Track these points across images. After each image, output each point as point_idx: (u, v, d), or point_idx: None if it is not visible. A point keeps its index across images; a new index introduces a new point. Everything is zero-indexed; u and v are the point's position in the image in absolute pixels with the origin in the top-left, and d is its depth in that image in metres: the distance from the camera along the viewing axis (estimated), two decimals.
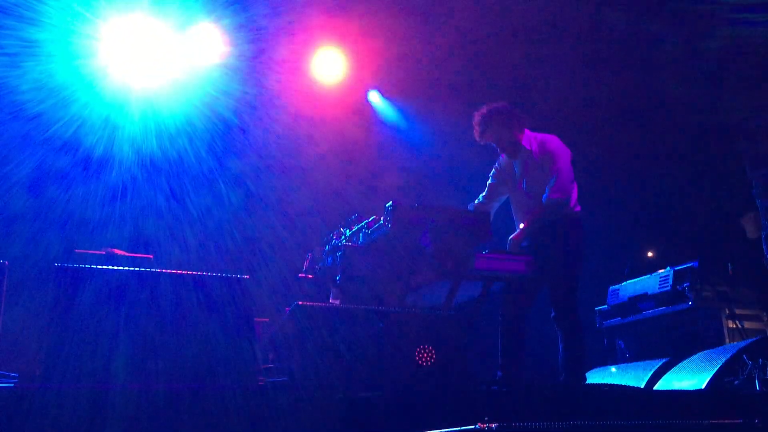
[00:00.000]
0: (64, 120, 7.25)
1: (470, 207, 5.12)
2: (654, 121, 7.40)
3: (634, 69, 7.20)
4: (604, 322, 6.88)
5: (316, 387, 3.55)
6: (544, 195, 4.79)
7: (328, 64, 8.21)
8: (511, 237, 4.79)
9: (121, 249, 5.83)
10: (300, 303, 3.84)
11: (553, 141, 4.96)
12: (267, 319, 5.57)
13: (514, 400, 3.77)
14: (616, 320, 6.75)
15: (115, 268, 3.64)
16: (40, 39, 6.91)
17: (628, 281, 6.78)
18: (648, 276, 6.56)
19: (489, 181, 5.18)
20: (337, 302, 4.70)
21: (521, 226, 4.86)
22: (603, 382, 5.65)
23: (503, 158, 5.13)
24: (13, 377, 3.10)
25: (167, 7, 7.32)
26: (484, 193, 5.17)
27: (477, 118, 5.01)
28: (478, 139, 5.04)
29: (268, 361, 4.38)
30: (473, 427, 2.67)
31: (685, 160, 7.27)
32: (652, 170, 7.41)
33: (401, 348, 3.89)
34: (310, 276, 4.73)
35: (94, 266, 3.58)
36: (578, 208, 4.93)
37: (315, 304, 3.97)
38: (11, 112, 6.96)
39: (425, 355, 3.93)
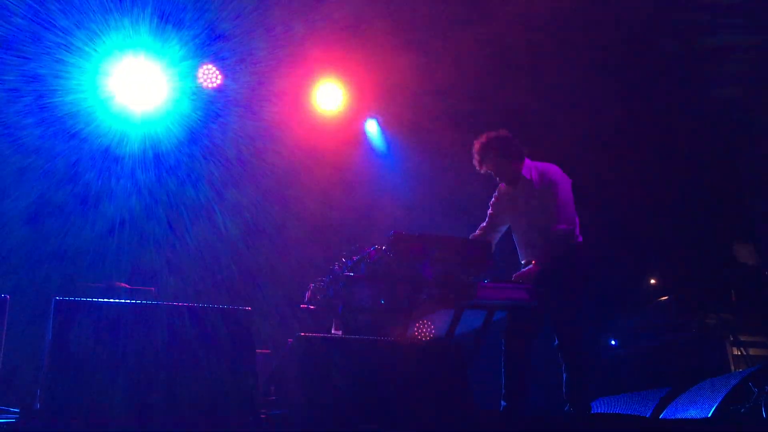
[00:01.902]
0: (63, 153, 7.28)
1: (470, 237, 5.11)
2: (652, 148, 7.42)
3: (630, 97, 7.26)
4: (608, 352, 6.83)
5: (318, 419, 3.51)
6: (551, 227, 4.76)
7: (327, 96, 8.28)
8: (522, 271, 4.76)
9: (122, 282, 5.82)
10: (302, 334, 3.82)
11: (554, 170, 4.95)
12: (269, 351, 5.53)
13: (518, 430, 3.73)
14: (620, 350, 6.70)
15: (116, 301, 3.62)
16: (41, 74, 6.96)
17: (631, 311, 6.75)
18: (650, 305, 6.53)
19: (489, 211, 5.18)
20: (339, 333, 4.67)
21: (532, 263, 4.81)
22: (608, 411, 5.59)
23: (503, 187, 5.13)
24: (14, 412, 3.06)
25: (167, 42, 7.41)
26: (484, 224, 5.16)
27: (476, 146, 5.02)
28: (477, 167, 5.05)
29: (269, 393, 4.33)
30: None
31: (686, 187, 7.28)
32: (653, 198, 7.42)
33: (404, 379, 3.85)
34: (311, 307, 4.70)
35: (95, 299, 3.56)
36: (581, 238, 4.92)
37: (317, 335, 3.95)
38: (11, 146, 6.99)
39: (428, 385, 3.89)
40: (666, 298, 6.40)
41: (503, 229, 5.15)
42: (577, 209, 4.95)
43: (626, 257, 7.39)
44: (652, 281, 7.69)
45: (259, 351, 4.68)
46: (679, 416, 5.04)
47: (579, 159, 6.79)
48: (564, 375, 4.72)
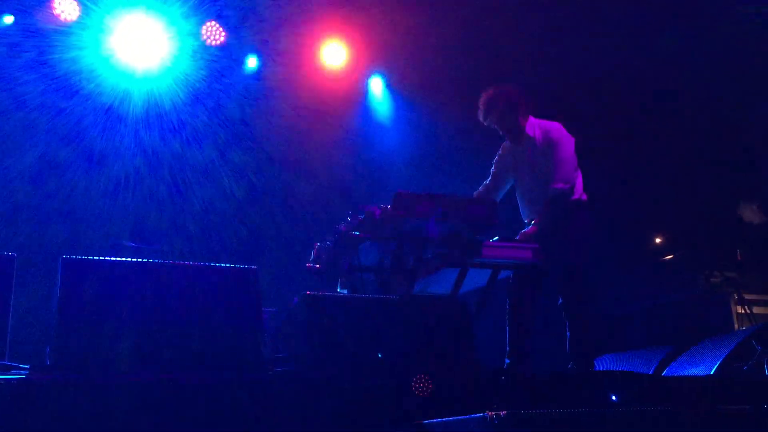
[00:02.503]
0: (65, 111, 7.25)
1: (474, 195, 5.10)
2: (658, 105, 7.35)
3: (642, 57, 7.17)
4: (612, 310, 6.87)
5: (324, 376, 3.55)
6: (549, 186, 4.76)
7: (332, 53, 8.19)
8: (523, 232, 4.76)
9: (127, 240, 5.85)
10: (308, 293, 3.84)
11: (557, 128, 4.91)
12: (275, 309, 5.58)
13: (522, 387, 3.76)
14: (623, 308, 6.73)
15: (122, 259, 3.64)
16: (43, 29, 6.90)
17: (636, 268, 6.77)
18: (655, 263, 6.54)
19: (492, 169, 5.15)
20: (345, 292, 4.70)
21: (532, 223, 4.82)
22: (611, 369, 5.64)
23: (506, 145, 5.09)
24: (25, 368, 3.10)
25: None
26: (487, 181, 5.14)
27: (483, 98, 4.95)
28: (481, 119, 4.99)
29: (275, 350, 4.38)
30: (482, 415, 2.67)
31: (693, 145, 7.23)
32: (659, 156, 7.38)
33: (408, 337, 3.88)
34: (317, 266, 4.72)
35: (101, 257, 3.58)
36: (585, 197, 4.90)
37: (323, 293, 3.97)
38: (14, 102, 6.96)
39: (433, 343, 3.92)
40: (671, 256, 6.40)
41: (506, 187, 5.13)
42: (582, 167, 4.92)
43: (631, 216, 7.38)
44: (657, 240, 7.69)
45: (266, 309, 4.71)
46: (681, 374, 5.08)
47: (585, 115, 6.76)
48: (567, 333, 4.75)
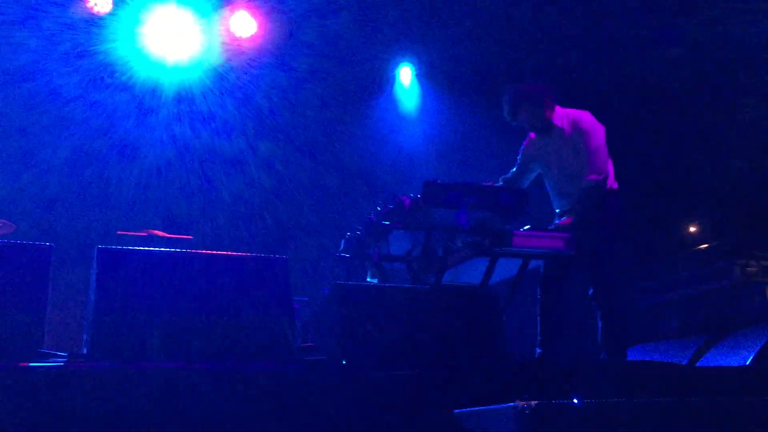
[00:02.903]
0: (100, 103, 7.35)
1: (501, 181, 5.06)
2: (698, 91, 7.20)
3: (675, 40, 7.04)
4: (645, 299, 6.79)
5: (354, 365, 3.56)
6: (583, 177, 4.70)
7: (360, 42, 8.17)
8: (558, 223, 4.73)
9: (160, 230, 5.92)
10: (338, 282, 3.86)
11: (586, 117, 4.84)
12: (306, 299, 5.62)
13: (553, 377, 3.74)
14: (657, 297, 6.66)
15: (157, 249, 3.69)
16: (76, 20, 6.99)
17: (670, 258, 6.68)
18: (689, 252, 6.45)
19: (519, 158, 5.10)
20: (375, 281, 4.71)
21: (564, 218, 4.78)
22: (644, 359, 5.59)
23: (533, 136, 5.04)
24: (63, 356, 3.17)
25: None
26: (514, 170, 5.09)
27: (506, 97, 4.90)
28: (508, 118, 4.95)
29: (306, 340, 4.41)
30: (512, 404, 2.66)
31: (730, 130, 7.09)
32: (694, 142, 7.25)
33: (439, 326, 3.88)
34: (347, 256, 4.74)
35: (136, 247, 3.63)
36: (615, 185, 4.84)
37: (353, 283, 3.98)
38: (50, 94, 7.08)
39: (463, 333, 3.91)
40: (706, 245, 6.31)
41: (532, 176, 5.08)
42: (615, 154, 4.86)
43: (666, 204, 7.28)
44: (692, 229, 7.58)
45: (296, 298, 4.75)
46: (716, 364, 5.02)
47: (617, 103, 6.66)
48: (599, 323, 4.71)
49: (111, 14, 7.09)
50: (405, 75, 8.53)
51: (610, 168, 4.82)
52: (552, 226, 4.69)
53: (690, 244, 6.89)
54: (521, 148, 5.10)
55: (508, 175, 5.09)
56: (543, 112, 4.82)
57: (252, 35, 7.72)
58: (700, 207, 7.34)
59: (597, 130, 4.80)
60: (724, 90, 7.07)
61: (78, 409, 2.89)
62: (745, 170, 7.01)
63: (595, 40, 7.24)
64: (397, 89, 8.62)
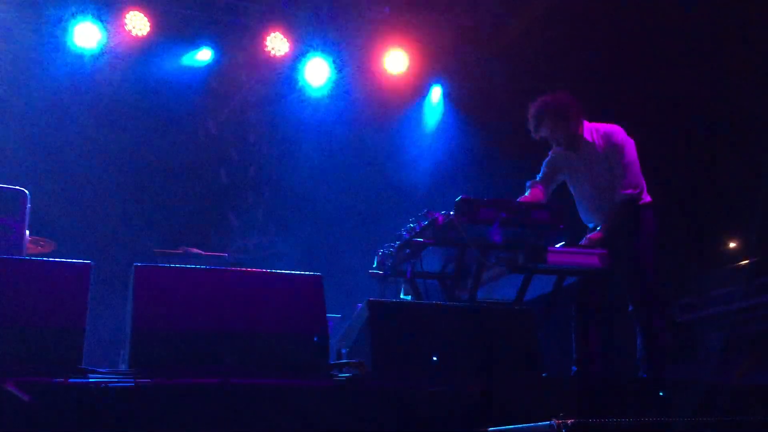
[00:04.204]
0: (138, 121, 7.51)
1: (522, 198, 4.96)
2: (739, 104, 7.07)
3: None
4: (684, 316, 6.67)
5: (387, 382, 3.55)
6: (618, 192, 4.65)
7: (393, 60, 8.26)
8: (589, 237, 4.68)
9: (195, 248, 6.00)
10: (371, 299, 3.86)
11: (617, 131, 4.79)
12: (339, 316, 5.62)
13: (590, 395, 3.69)
14: (697, 314, 6.53)
15: (192, 266, 3.73)
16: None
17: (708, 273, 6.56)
18: (730, 267, 6.33)
19: (544, 170, 4.99)
20: (408, 298, 4.70)
21: (597, 229, 4.73)
22: (684, 378, 5.47)
23: (558, 149, 4.97)
24: (103, 372, 3.21)
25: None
26: (535, 181, 4.98)
27: (531, 111, 4.83)
28: (533, 133, 4.88)
29: (339, 357, 4.41)
30: (549, 423, 2.62)
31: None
32: (734, 156, 7.12)
33: (473, 343, 3.86)
34: (381, 272, 4.74)
35: (172, 264, 3.69)
36: (649, 198, 4.78)
37: (386, 300, 3.98)
38: (79, 106, 7.25)
39: (497, 350, 3.88)
40: (747, 261, 6.18)
41: (553, 188, 5.02)
42: (654, 168, 4.79)
43: (705, 219, 7.15)
44: (732, 244, 7.43)
45: (330, 315, 4.75)
46: (759, 382, 4.90)
47: (650, 116, 6.57)
48: (638, 339, 4.64)
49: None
50: (435, 93, 8.60)
51: (643, 182, 4.76)
52: (583, 241, 4.65)
53: (731, 259, 6.75)
54: (546, 159, 5.02)
55: (528, 190, 4.97)
56: (567, 125, 4.76)
57: (283, 55, 7.85)
58: (741, 221, 7.20)
59: (629, 144, 4.76)
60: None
61: (115, 426, 2.92)
62: None
63: (626, 55, 7.18)
64: (428, 106, 8.67)
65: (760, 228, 6.66)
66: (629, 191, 4.64)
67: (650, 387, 4.18)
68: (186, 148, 7.70)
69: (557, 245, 4.41)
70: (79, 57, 7.27)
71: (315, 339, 3.59)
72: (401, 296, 4.80)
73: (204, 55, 7.74)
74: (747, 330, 6.05)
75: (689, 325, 6.66)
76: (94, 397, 2.94)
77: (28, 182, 4.86)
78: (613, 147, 4.73)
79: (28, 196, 4.61)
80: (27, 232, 4.71)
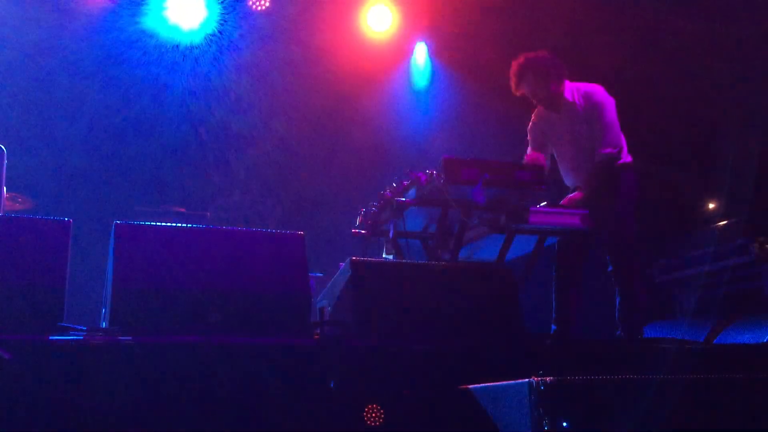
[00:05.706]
0: (116, 79, 7.37)
1: (524, 160, 5.02)
2: (712, 60, 7.08)
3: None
4: (662, 276, 6.76)
5: (369, 341, 3.58)
6: (597, 151, 4.66)
7: (377, 18, 8.13)
8: (569, 197, 4.70)
9: (176, 206, 5.96)
10: (354, 258, 3.86)
11: (599, 91, 4.79)
12: (322, 274, 5.64)
13: (569, 353, 3.74)
14: (674, 274, 6.62)
15: (173, 224, 3.71)
16: None
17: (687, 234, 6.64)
18: (708, 229, 6.40)
19: (529, 138, 5.02)
20: (391, 258, 4.72)
21: (577, 190, 4.75)
22: (661, 336, 5.57)
23: (540, 112, 4.96)
24: (82, 330, 3.20)
25: None
26: (529, 151, 5.02)
27: (513, 67, 4.83)
28: (513, 90, 4.88)
29: (322, 315, 4.43)
30: (527, 380, 2.66)
31: (747, 108, 6.98)
32: (713, 118, 7.15)
33: (454, 302, 3.88)
34: (363, 232, 4.74)
35: (153, 223, 3.66)
36: (629, 159, 4.80)
37: (368, 259, 3.99)
38: (66, 69, 7.10)
39: (478, 309, 3.91)
40: (725, 222, 6.25)
41: (549, 153, 5.03)
42: (633, 129, 4.80)
43: (684, 180, 7.20)
44: (711, 205, 7.51)
45: (312, 274, 4.75)
46: (734, 341, 4.99)
47: (633, 76, 6.56)
48: (617, 299, 4.70)
49: None
50: (420, 52, 8.49)
51: (623, 142, 4.77)
52: (563, 201, 4.67)
53: (708, 220, 6.82)
54: (529, 125, 5.03)
55: (527, 157, 5.01)
56: (548, 84, 4.75)
57: (267, 10, 7.69)
58: (719, 183, 7.26)
59: (609, 103, 4.76)
60: (748, 64, 6.94)
61: (96, 383, 2.92)
62: (766, 146, 6.91)
63: (614, 14, 7.13)
64: (412, 66, 8.58)
65: (736, 189, 6.73)
66: (608, 150, 4.65)
67: (628, 345, 4.25)
68: (166, 106, 7.59)
69: (539, 205, 4.42)
70: (58, 13, 7.08)
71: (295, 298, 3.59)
72: (383, 255, 4.81)
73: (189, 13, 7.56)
74: (720, 291, 6.15)
75: (666, 286, 6.76)
76: (75, 355, 2.93)
77: (5, 138, 4.77)
78: (593, 106, 4.72)
79: (5, 152, 4.53)
80: (4, 188, 4.65)
